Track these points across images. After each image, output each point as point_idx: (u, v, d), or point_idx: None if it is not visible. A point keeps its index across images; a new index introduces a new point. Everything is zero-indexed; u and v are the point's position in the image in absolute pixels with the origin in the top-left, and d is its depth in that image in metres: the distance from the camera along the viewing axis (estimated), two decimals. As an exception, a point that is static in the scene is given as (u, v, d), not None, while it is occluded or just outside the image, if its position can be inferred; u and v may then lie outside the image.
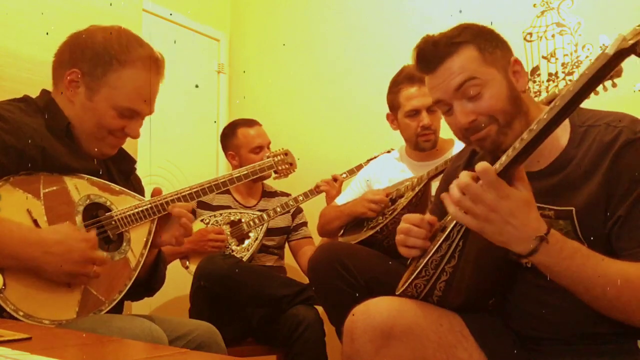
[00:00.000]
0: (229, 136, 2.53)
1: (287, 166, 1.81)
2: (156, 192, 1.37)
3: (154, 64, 1.32)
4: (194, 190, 1.42)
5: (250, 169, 1.56)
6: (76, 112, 1.29)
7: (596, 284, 0.95)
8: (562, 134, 1.10)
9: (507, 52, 1.17)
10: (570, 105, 0.87)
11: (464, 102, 1.13)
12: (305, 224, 2.55)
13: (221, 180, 1.48)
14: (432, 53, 1.15)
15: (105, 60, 1.27)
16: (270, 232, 2.37)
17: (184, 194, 1.39)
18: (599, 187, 1.03)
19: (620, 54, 0.79)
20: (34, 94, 1.33)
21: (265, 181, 2.56)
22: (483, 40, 1.15)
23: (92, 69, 1.27)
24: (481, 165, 0.93)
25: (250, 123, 2.53)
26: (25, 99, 1.29)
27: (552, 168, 1.10)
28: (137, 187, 1.47)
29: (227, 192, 2.48)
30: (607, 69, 0.81)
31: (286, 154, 1.81)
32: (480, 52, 1.13)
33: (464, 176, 0.96)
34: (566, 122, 1.10)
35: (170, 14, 3.03)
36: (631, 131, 1.04)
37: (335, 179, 2.37)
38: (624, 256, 0.99)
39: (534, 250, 0.94)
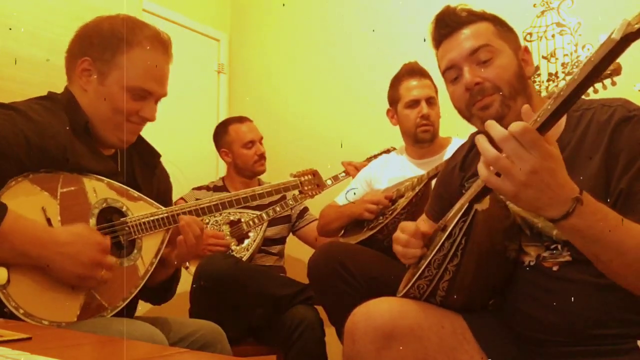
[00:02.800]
0: (221, 134, 2.56)
1: (313, 187, 1.74)
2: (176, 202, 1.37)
3: (161, 44, 1.33)
4: (213, 203, 1.40)
5: (274, 187, 1.53)
6: (90, 100, 1.29)
7: (630, 248, 0.91)
8: (560, 120, 1.11)
9: (518, 40, 1.23)
10: (575, 94, 0.82)
11: (474, 66, 1.17)
12: (306, 209, 2.56)
13: (242, 196, 1.45)
14: (452, 19, 1.21)
15: (113, 43, 1.27)
16: (271, 222, 2.37)
17: (202, 206, 1.38)
18: (600, 166, 1.03)
19: (627, 39, 0.77)
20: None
21: (260, 176, 2.57)
22: (498, 21, 1.22)
23: (102, 53, 1.28)
24: (518, 123, 0.85)
25: (241, 119, 2.55)
26: (50, 97, 1.30)
27: None
28: (162, 180, 1.48)
29: (225, 190, 2.49)
30: (613, 54, 0.79)
31: (314, 175, 1.73)
32: (495, 28, 1.19)
33: (501, 132, 0.86)
34: None
35: (170, 14, 3.03)
36: (625, 109, 1.05)
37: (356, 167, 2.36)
38: None
39: (569, 212, 0.88)
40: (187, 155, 3.06)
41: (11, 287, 1.08)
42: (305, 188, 1.70)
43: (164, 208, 1.34)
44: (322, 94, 3.05)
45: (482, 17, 1.20)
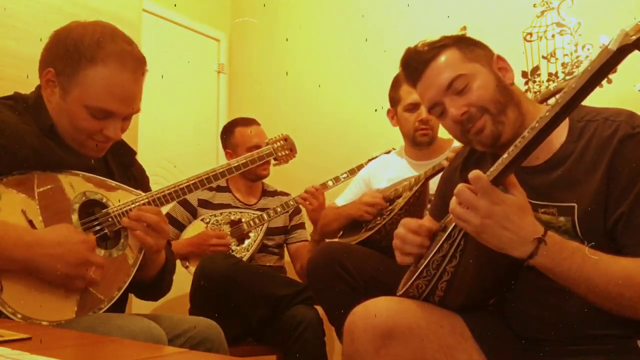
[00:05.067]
0: (228, 134, 2.55)
1: (287, 152, 1.72)
2: None
3: (129, 60, 1.23)
4: (192, 182, 1.37)
5: (249, 157, 1.51)
6: (53, 111, 1.24)
7: (598, 283, 0.95)
8: (561, 129, 1.10)
9: (488, 51, 1.22)
10: (573, 102, 0.86)
11: (454, 97, 1.16)
12: (301, 225, 2.55)
13: (219, 171, 1.42)
14: (416, 60, 1.21)
15: (75, 57, 1.20)
16: (269, 231, 2.37)
17: (181, 186, 1.35)
18: (600, 183, 1.03)
19: (623, 50, 0.79)
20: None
21: (264, 180, 2.56)
22: (462, 42, 1.21)
23: (64, 67, 1.21)
24: (474, 173, 0.96)
25: (249, 122, 2.54)
26: (15, 97, 1.27)
27: (551, 163, 1.10)
28: (139, 177, 1.43)
29: (228, 190, 2.49)
30: (609, 65, 0.80)
31: (286, 140, 1.71)
32: (461, 52, 1.18)
33: (459, 185, 0.98)
34: None
35: (170, 14, 3.04)
36: (629, 126, 1.04)
37: (316, 189, 2.33)
38: (628, 253, 0.99)
39: (533, 253, 0.95)
40: (187, 155, 3.06)
41: (5, 293, 1.07)
42: (279, 154, 1.69)
43: (143, 194, 1.31)
44: (323, 94, 3.05)
45: (445, 45, 1.19)
